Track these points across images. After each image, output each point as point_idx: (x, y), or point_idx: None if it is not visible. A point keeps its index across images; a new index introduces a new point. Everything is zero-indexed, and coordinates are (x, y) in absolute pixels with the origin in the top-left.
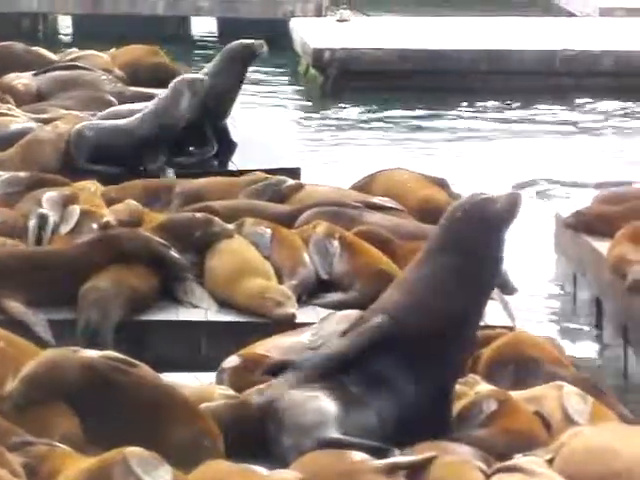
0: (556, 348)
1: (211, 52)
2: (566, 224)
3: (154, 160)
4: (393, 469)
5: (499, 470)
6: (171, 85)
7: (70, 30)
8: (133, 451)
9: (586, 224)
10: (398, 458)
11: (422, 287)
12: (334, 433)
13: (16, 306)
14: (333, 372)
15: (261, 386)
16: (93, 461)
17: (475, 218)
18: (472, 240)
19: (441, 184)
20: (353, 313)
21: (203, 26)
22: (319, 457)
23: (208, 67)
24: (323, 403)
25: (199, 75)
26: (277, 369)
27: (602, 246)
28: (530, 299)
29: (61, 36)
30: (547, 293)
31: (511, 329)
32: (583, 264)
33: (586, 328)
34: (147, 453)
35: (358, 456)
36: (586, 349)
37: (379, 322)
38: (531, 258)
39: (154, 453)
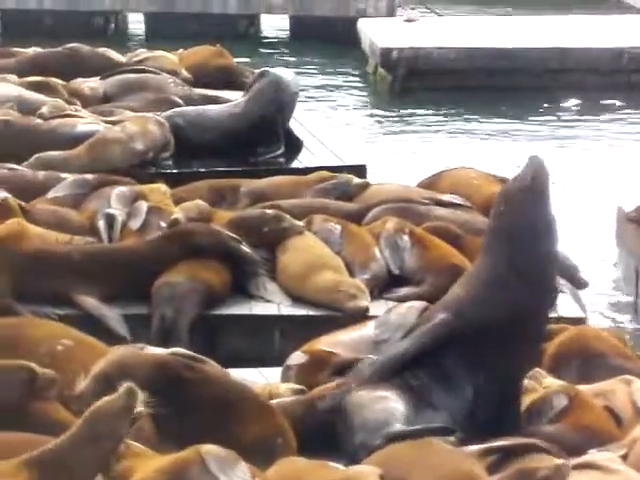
0: (622, 341)
1: (282, 50)
2: (629, 218)
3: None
4: (485, 454)
5: (575, 467)
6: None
7: (142, 28)
8: (209, 449)
9: None
10: (491, 443)
11: (482, 281)
12: (400, 427)
13: (91, 301)
14: (398, 372)
15: (329, 385)
16: (168, 460)
17: (514, 200)
18: (518, 223)
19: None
20: (418, 304)
21: (274, 24)
22: (392, 450)
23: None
24: (390, 402)
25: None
26: (344, 369)
27: None
28: (592, 294)
29: (133, 35)
30: (609, 288)
31: (582, 320)
32: None
33: None
34: (223, 451)
35: (434, 442)
36: None
37: (441, 319)
38: (592, 252)
39: (230, 450)
